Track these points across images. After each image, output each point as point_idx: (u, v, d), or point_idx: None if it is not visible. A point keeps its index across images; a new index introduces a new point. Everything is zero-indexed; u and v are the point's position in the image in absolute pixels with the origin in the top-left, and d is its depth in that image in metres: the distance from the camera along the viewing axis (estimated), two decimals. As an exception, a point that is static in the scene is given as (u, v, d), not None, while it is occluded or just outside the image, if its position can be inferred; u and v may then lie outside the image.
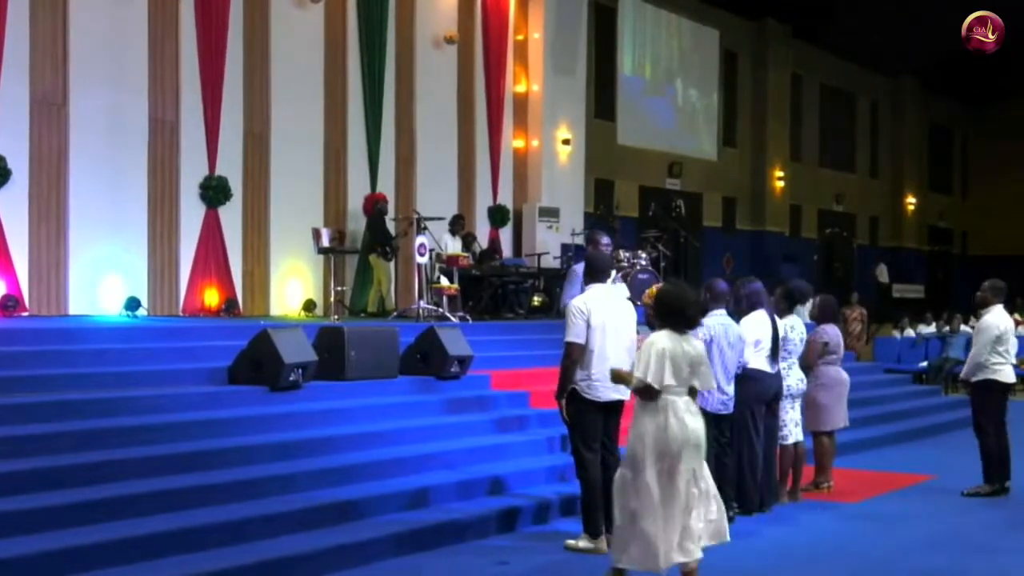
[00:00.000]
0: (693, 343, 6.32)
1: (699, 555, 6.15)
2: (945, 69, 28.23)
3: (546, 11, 18.58)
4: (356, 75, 15.52)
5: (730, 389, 8.26)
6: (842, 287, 26.48)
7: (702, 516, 6.19)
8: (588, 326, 7.28)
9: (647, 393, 6.11)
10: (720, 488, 8.16)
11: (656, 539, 6.04)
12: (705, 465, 6.31)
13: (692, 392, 6.27)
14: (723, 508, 6.43)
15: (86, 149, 12.29)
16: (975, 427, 9.94)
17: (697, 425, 6.20)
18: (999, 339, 9.68)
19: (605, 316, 7.33)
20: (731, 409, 8.28)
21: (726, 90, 25.42)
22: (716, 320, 8.25)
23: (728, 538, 6.38)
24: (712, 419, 8.17)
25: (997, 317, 9.80)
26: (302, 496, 7.39)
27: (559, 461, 9.07)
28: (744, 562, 7.30)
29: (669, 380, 6.09)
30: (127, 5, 12.76)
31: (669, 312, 6.27)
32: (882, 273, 28.48)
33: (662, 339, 6.17)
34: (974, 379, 9.83)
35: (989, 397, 9.81)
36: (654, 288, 8.01)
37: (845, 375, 9.86)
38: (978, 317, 10.41)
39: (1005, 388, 9.83)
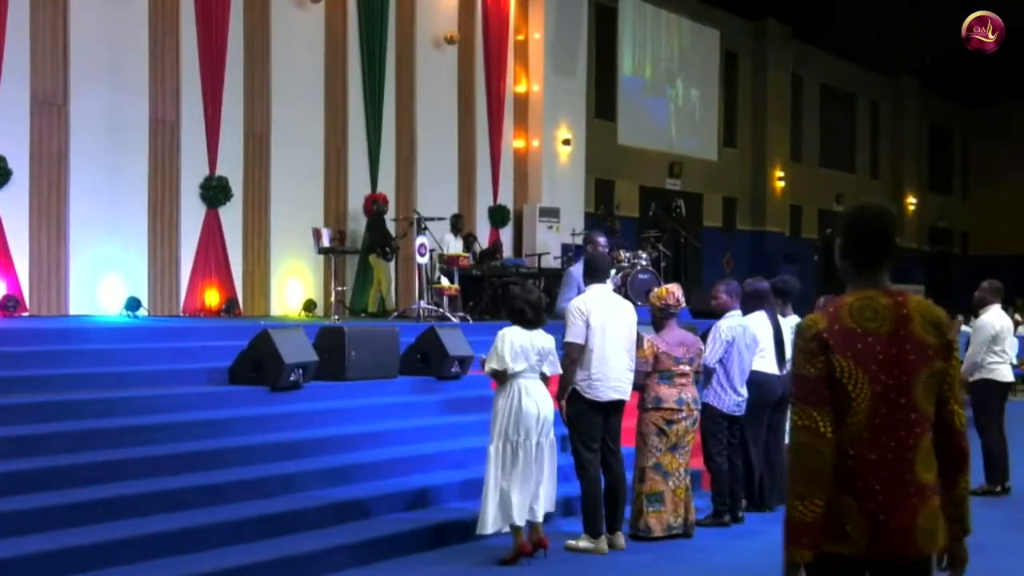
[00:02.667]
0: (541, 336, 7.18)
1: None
2: (945, 69, 28.22)
3: (546, 11, 18.59)
4: (356, 75, 15.53)
5: (744, 391, 8.26)
6: (842, 287, 26.47)
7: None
8: (588, 326, 7.29)
9: (498, 376, 7.11)
10: (730, 488, 8.21)
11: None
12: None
13: (543, 377, 7.18)
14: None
15: (86, 149, 12.30)
16: (976, 427, 9.95)
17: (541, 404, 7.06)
18: (995, 338, 9.71)
19: (605, 316, 7.34)
20: (743, 411, 8.28)
21: (726, 90, 25.42)
22: (735, 321, 8.25)
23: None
24: (725, 420, 8.19)
25: (994, 317, 9.83)
26: (302, 496, 7.40)
27: (559, 461, 9.05)
28: (748, 561, 7.31)
29: (515, 364, 6.98)
30: (127, 5, 12.77)
31: (511, 311, 7.25)
32: None
33: (511, 332, 7.09)
34: (972, 379, 9.86)
35: (988, 397, 9.84)
36: (664, 289, 8.03)
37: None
38: (977, 317, 10.44)
39: (1004, 387, 9.86)
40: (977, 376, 9.82)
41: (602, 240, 9.92)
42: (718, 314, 8.42)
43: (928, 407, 3.36)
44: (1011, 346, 9.92)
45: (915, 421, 3.33)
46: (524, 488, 6.93)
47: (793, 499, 3.29)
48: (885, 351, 3.34)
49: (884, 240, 3.61)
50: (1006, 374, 9.84)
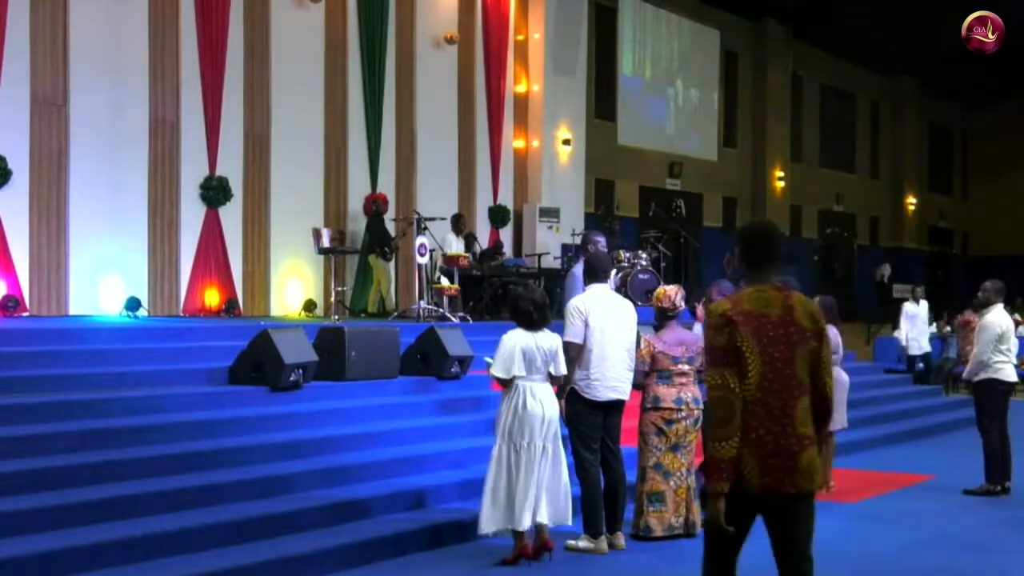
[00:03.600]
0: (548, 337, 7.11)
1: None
2: (945, 69, 28.21)
3: (546, 11, 18.59)
4: (356, 75, 15.53)
5: None
6: (842, 287, 26.51)
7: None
8: (587, 326, 7.29)
9: (501, 382, 7.06)
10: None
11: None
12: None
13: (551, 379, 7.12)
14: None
15: (86, 149, 12.30)
16: (979, 426, 9.96)
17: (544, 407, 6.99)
18: (1001, 338, 9.71)
19: (604, 316, 7.35)
20: None
21: (726, 90, 25.42)
22: None
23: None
24: None
25: (998, 316, 9.83)
26: (302, 496, 7.40)
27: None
28: (745, 562, 7.28)
29: (519, 371, 6.94)
30: (127, 5, 12.77)
31: (515, 312, 7.16)
32: (884, 273, 28.46)
33: (514, 337, 7.04)
34: (976, 378, 9.87)
35: (992, 396, 9.84)
36: (663, 291, 8.03)
37: (845, 376, 9.86)
38: (979, 317, 10.44)
39: (1008, 387, 9.86)
40: (982, 376, 9.81)
41: (601, 240, 9.89)
42: None
43: (805, 376, 4.26)
44: (1015, 346, 9.92)
45: (795, 386, 4.23)
46: (528, 491, 6.88)
47: (714, 441, 4.15)
48: (774, 330, 4.24)
49: (770, 248, 4.44)
50: (1010, 374, 9.84)
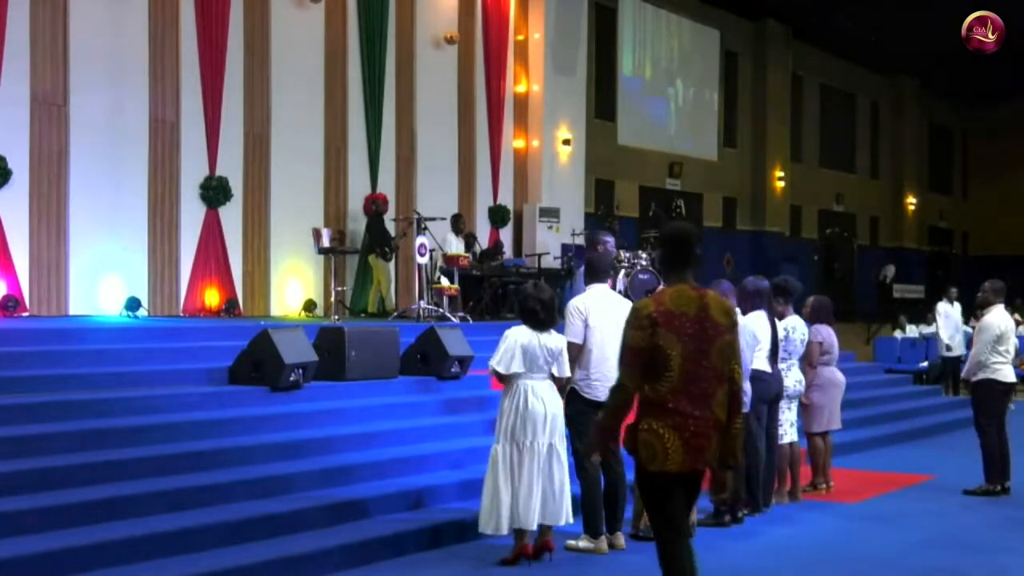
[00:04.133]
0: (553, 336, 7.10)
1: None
2: (945, 69, 28.21)
3: (546, 11, 18.59)
4: (356, 75, 15.53)
5: (747, 387, 8.27)
6: (842, 287, 26.51)
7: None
8: (586, 326, 7.29)
9: (499, 378, 7.06)
10: (734, 488, 8.20)
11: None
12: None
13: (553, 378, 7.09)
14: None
15: (86, 149, 12.31)
16: (976, 426, 9.96)
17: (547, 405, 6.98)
18: (1000, 338, 9.71)
19: (604, 316, 7.34)
20: (748, 408, 8.29)
21: (726, 90, 25.42)
22: None
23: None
24: None
25: (997, 317, 9.83)
26: (302, 496, 7.39)
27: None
28: (744, 562, 7.31)
29: (519, 368, 6.90)
30: (127, 5, 12.77)
31: (522, 310, 7.11)
32: (888, 273, 28.44)
33: (516, 333, 6.99)
34: (975, 378, 9.87)
35: (990, 396, 9.83)
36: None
37: (840, 376, 9.86)
38: (978, 318, 10.43)
39: (1006, 387, 9.85)
40: (980, 376, 9.81)
41: (610, 240, 9.86)
42: None
43: (721, 367, 4.76)
44: (1014, 346, 9.90)
45: (713, 377, 4.73)
46: (531, 491, 6.86)
47: (610, 417, 4.84)
48: (692, 327, 4.71)
49: (687, 251, 4.91)
50: (1009, 375, 9.83)
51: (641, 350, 4.68)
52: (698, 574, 4.83)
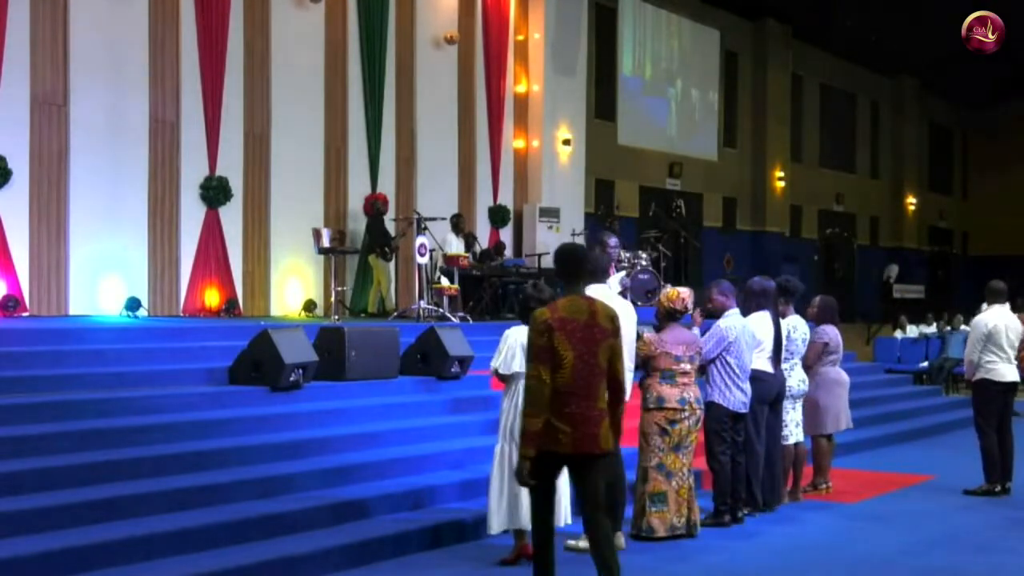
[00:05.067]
0: None
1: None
2: (945, 69, 28.21)
3: (546, 11, 18.59)
4: (356, 75, 15.53)
5: (748, 388, 8.27)
6: (842, 287, 26.51)
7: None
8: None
9: (500, 377, 7.17)
10: (733, 488, 8.20)
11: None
12: None
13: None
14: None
15: (86, 149, 12.31)
16: (975, 426, 9.97)
17: None
18: (990, 337, 9.70)
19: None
20: (748, 408, 8.30)
21: (726, 90, 25.41)
22: (735, 320, 8.25)
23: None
24: (730, 419, 8.18)
25: (988, 316, 9.83)
26: (302, 496, 7.39)
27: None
28: (745, 561, 7.31)
29: (520, 367, 6.84)
30: (127, 5, 12.77)
31: (523, 310, 7.12)
32: (891, 273, 28.44)
33: (516, 333, 7.01)
34: (973, 379, 9.89)
35: (987, 396, 9.84)
36: (675, 292, 8.01)
37: (845, 376, 9.84)
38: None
39: (1004, 387, 9.84)
40: (977, 376, 9.83)
41: (612, 241, 9.85)
42: (716, 314, 8.43)
43: (605, 365, 5.57)
44: (1011, 345, 9.87)
45: (598, 374, 5.55)
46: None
47: (527, 417, 5.46)
48: (582, 331, 5.54)
49: (579, 266, 5.82)
50: (1005, 374, 9.80)
51: (542, 349, 5.46)
52: (553, 535, 5.82)
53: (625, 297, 10.03)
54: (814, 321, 9.81)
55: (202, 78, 13.43)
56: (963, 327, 19.30)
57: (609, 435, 5.58)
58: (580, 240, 17.10)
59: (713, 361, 8.13)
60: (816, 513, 8.94)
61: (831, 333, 9.68)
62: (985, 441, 9.83)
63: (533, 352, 5.52)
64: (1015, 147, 32.57)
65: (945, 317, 21.21)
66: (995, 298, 9.97)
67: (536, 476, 5.51)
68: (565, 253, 5.88)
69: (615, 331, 5.62)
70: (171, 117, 13.21)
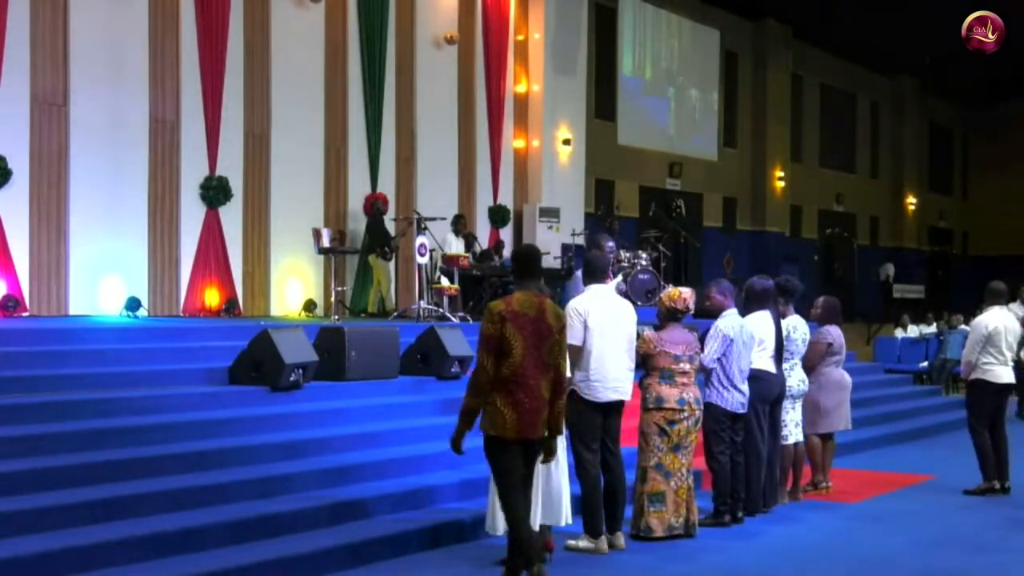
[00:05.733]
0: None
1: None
2: (945, 69, 28.20)
3: (546, 11, 18.59)
4: (356, 75, 15.53)
5: (746, 388, 8.27)
6: (842, 287, 26.50)
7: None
8: (586, 327, 7.28)
9: None
10: (733, 488, 8.20)
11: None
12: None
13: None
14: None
15: (86, 149, 12.31)
16: (968, 426, 9.99)
17: None
18: (989, 339, 9.71)
19: (603, 317, 7.34)
20: (746, 408, 8.30)
21: (726, 90, 25.41)
22: (733, 320, 8.25)
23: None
24: (728, 419, 8.18)
25: (988, 317, 9.84)
26: (302, 496, 7.40)
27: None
28: (745, 562, 7.31)
29: None
30: (127, 5, 12.77)
31: None
32: (887, 273, 28.45)
33: None
34: (969, 379, 9.91)
35: (981, 396, 9.87)
36: (677, 292, 8.01)
37: (848, 378, 9.84)
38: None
39: (999, 388, 9.85)
40: (973, 376, 9.86)
41: (609, 244, 9.88)
42: (714, 314, 8.43)
43: (550, 359, 6.04)
44: (1009, 348, 9.86)
45: (543, 366, 6.02)
46: (533, 491, 6.79)
47: (469, 398, 5.98)
48: (531, 325, 6.00)
49: (532, 265, 6.31)
50: (1001, 375, 9.81)
51: (491, 338, 5.91)
52: (528, 520, 6.15)
53: (628, 298, 10.04)
54: (818, 322, 9.81)
55: (202, 78, 13.43)
56: (962, 327, 19.32)
57: (546, 423, 6.05)
58: (580, 240, 17.13)
59: (715, 364, 8.13)
60: (816, 513, 8.94)
61: (835, 334, 9.68)
62: (978, 441, 9.88)
63: (483, 340, 5.95)
64: (1015, 147, 32.56)
65: (945, 317, 21.21)
66: (995, 299, 9.97)
67: (494, 461, 6.05)
68: (522, 254, 6.39)
69: (561, 329, 6.12)
70: (171, 117, 13.21)
